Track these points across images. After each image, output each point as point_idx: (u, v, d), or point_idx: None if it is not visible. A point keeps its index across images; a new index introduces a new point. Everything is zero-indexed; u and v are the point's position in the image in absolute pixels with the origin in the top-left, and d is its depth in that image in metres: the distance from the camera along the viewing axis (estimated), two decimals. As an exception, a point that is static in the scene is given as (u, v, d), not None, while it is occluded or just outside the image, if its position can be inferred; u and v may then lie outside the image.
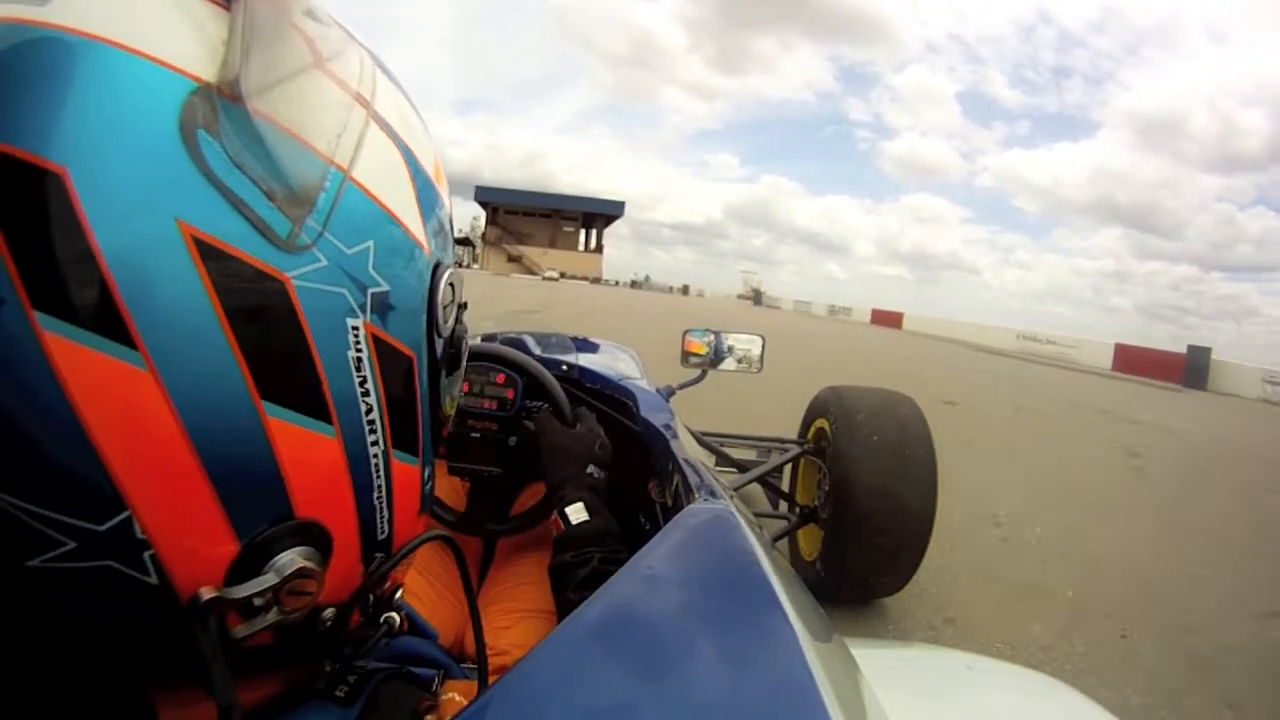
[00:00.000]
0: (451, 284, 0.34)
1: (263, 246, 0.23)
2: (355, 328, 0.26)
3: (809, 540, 2.07)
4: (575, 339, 1.40)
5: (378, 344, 0.28)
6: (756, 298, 47.77)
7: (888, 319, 30.25)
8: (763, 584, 0.39)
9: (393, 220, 0.28)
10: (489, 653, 0.68)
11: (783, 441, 2.37)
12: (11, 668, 0.26)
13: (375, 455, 0.29)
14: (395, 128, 0.31)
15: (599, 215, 61.18)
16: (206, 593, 0.25)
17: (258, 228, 0.23)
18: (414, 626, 0.59)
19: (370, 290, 0.27)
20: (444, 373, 0.35)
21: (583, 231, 62.29)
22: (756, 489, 2.32)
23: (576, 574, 0.63)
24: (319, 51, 0.28)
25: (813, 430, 2.17)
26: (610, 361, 1.22)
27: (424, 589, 0.73)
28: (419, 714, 0.36)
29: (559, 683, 0.30)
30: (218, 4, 0.25)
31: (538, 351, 1.07)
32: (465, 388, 0.85)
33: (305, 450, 0.26)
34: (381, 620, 0.35)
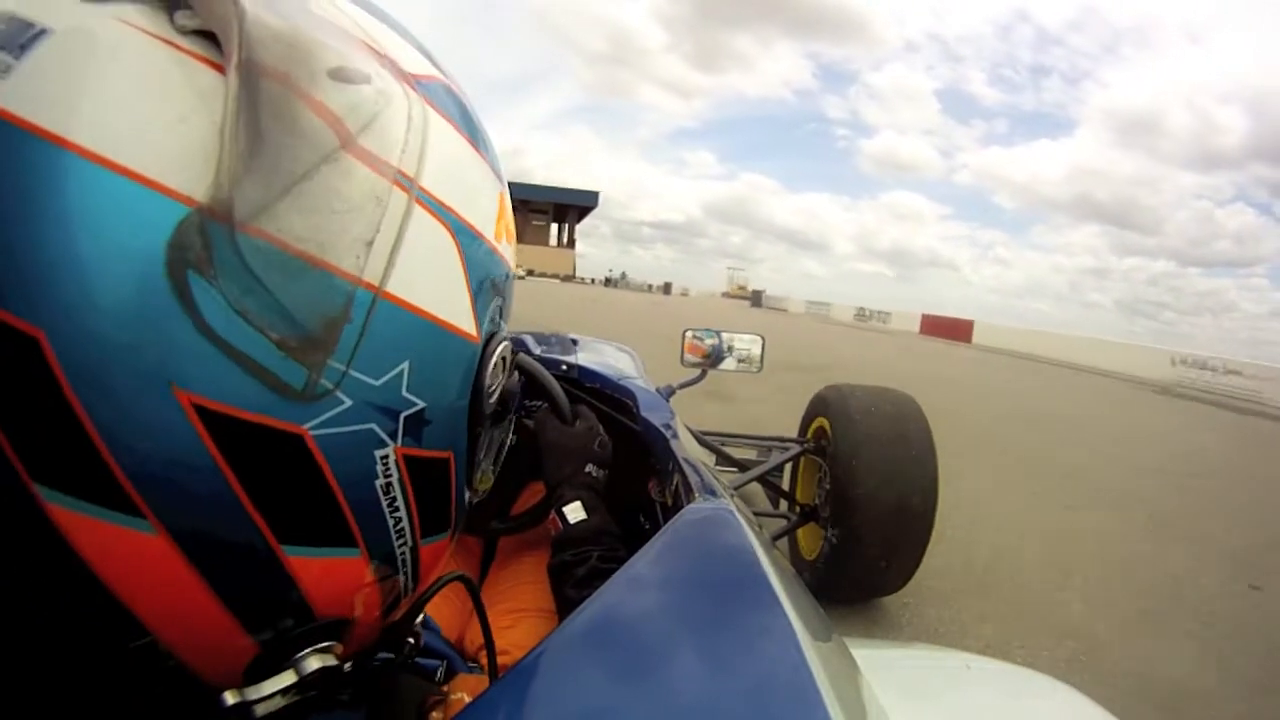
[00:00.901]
0: (504, 357, 0.31)
1: (275, 404, 0.21)
2: (384, 456, 0.24)
3: (809, 539, 2.07)
4: (575, 338, 1.40)
5: (409, 462, 0.25)
6: (756, 298, 38.73)
7: (949, 329, 20.99)
8: (763, 583, 0.39)
9: (435, 325, 0.25)
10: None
11: (783, 440, 2.37)
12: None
13: (403, 553, 0.28)
14: (447, 198, 0.25)
15: (571, 207, 49.73)
16: (230, 698, 0.25)
17: (267, 384, 0.20)
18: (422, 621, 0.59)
19: (403, 415, 0.24)
20: (485, 432, 0.33)
21: (554, 226, 52.54)
22: (756, 488, 2.32)
23: (575, 572, 0.64)
24: (346, 128, 0.22)
25: (813, 429, 2.16)
26: (610, 361, 1.21)
27: None
28: (426, 710, 0.36)
29: (560, 681, 0.30)
30: (216, 68, 0.20)
31: (537, 351, 1.07)
32: None
33: (328, 574, 0.25)
34: (403, 648, 0.35)
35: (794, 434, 2.29)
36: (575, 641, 0.32)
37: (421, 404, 0.25)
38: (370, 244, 0.22)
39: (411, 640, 0.35)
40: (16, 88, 0.18)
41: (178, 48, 0.20)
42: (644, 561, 0.39)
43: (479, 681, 0.44)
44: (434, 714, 0.36)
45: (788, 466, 2.27)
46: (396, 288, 0.23)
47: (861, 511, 1.76)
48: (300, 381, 0.21)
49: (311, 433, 0.22)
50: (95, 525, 0.20)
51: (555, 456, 0.76)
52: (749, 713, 0.30)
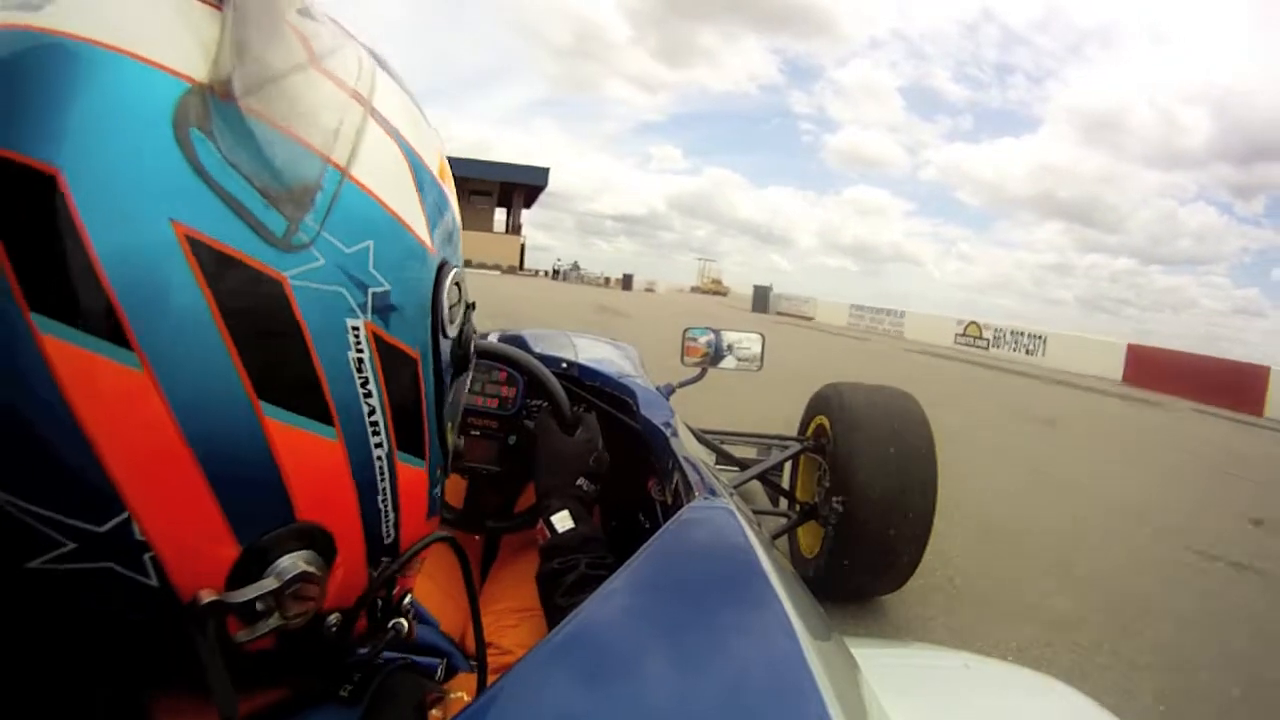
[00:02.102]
0: (458, 284, 0.33)
1: (259, 246, 0.23)
2: (355, 328, 0.26)
3: (809, 537, 2.07)
4: (575, 336, 1.40)
5: (380, 344, 0.27)
6: (760, 298, 27.84)
7: (1203, 378, 10.47)
8: (762, 582, 0.39)
9: (394, 219, 0.28)
10: (494, 651, 0.68)
11: (783, 439, 2.37)
12: (9, 669, 0.26)
13: (380, 458, 0.29)
14: (396, 125, 0.30)
15: (518, 187, 39.78)
16: (206, 595, 0.24)
17: (253, 227, 0.23)
18: (415, 615, 0.59)
19: (371, 290, 0.27)
20: (451, 375, 0.34)
21: (500, 211, 42.07)
22: (756, 486, 2.32)
23: (564, 580, 0.64)
24: (313, 49, 0.27)
25: (812, 427, 2.17)
26: (610, 358, 1.21)
27: (429, 589, 0.73)
28: (425, 708, 0.36)
29: (560, 681, 0.30)
30: (210, 4, 0.25)
31: (538, 349, 1.07)
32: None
33: (306, 452, 0.26)
34: (390, 626, 0.35)
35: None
36: (575, 640, 0.32)
37: (387, 285, 0.27)
38: (336, 133, 0.26)
39: (404, 622, 0.35)
40: (55, 14, 0.22)
41: None
42: (643, 560, 0.39)
43: (475, 682, 0.44)
44: (433, 712, 0.36)
45: (787, 465, 2.28)
46: (359, 174, 0.27)
47: (861, 510, 1.76)
48: (280, 229, 0.24)
49: (290, 280, 0.24)
50: (87, 358, 0.21)
51: (548, 464, 0.76)
52: (749, 712, 0.30)
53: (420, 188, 0.30)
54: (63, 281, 0.20)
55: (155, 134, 0.22)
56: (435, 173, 0.33)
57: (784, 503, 2.25)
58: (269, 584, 0.26)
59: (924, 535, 1.82)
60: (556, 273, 40.74)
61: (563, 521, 0.69)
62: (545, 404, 0.83)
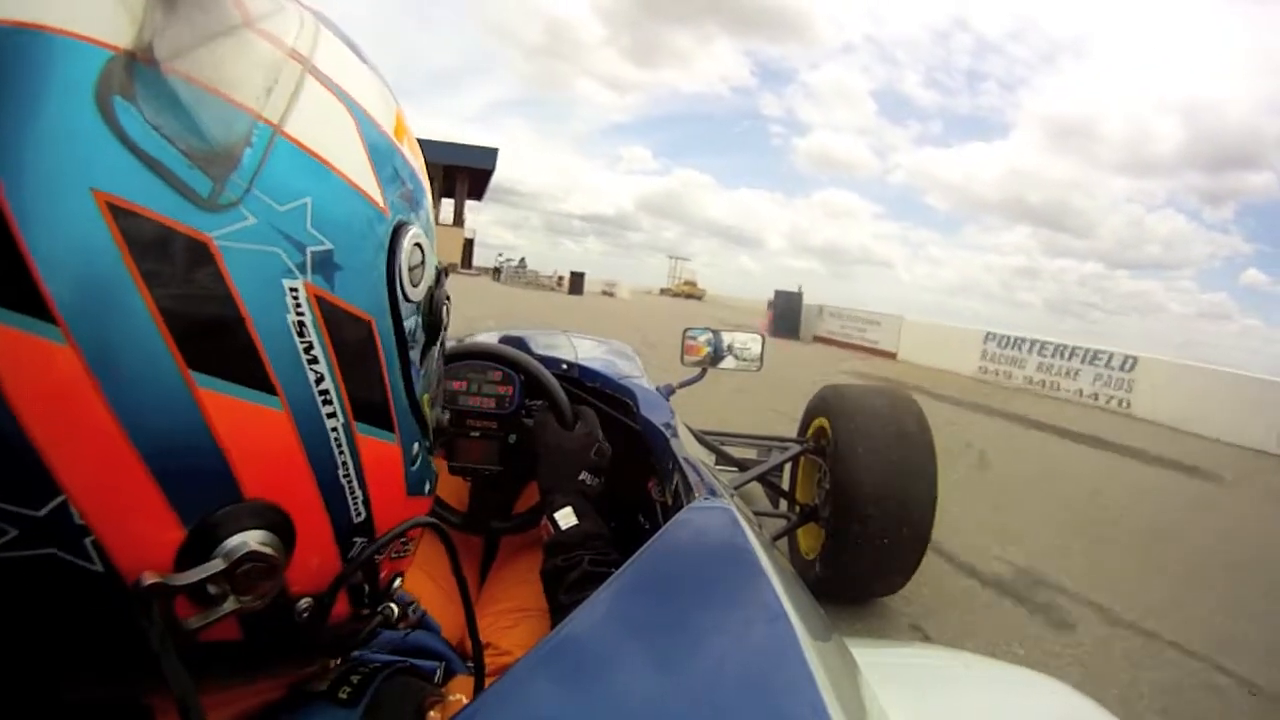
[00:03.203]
0: (419, 244, 0.32)
1: (182, 207, 0.22)
2: (294, 289, 0.25)
3: (809, 539, 2.07)
4: (575, 336, 1.40)
5: (323, 306, 0.26)
6: (790, 313, 14.94)
7: None
8: (762, 583, 0.39)
9: (334, 174, 0.27)
10: (493, 651, 0.68)
11: (783, 440, 2.37)
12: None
13: (334, 429, 0.28)
14: (339, 82, 0.29)
15: (462, 171, 32.82)
16: (149, 578, 0.23)
17: (176, 188, 0.22)
18: (419, 620, 0.59)
19: (310, 249, 0.26)
20: (422, 344, 0.33)
21: (448, 202, 36.02)
22: (756, 488, 2.32)
23: (567, 577, 0.64)
24: (249, 11, 0.27)
25: (812, 429, 2.17)
26: (610, 359, 1.21)
27: (430, 590, 0.73)
28: (424, 710, 0.35)
29: (558, 682, 0.30)
30: None
31: (538, 350, 1.07)
32: (464, 385, 0.85)
33: (247, 424, 0.25)
34: (378, 610, 0.34)
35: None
36: (573, 641, 0.32)
37: (328, 244, 0.26)
38: (269, 91, 0.26)
39: (393, 606, 0.34)
40: None
41: None
42: (643, 561, 0.39)
43: (475, 682, 0.44)
44: (431, 714, 0.36)
45: (787, 466, 2.28)
46: (294, 130, 0.26)
47: (861, 511, 1.76)
48: (206, 190, 0.23)
49: (216, 240, 0.23)
50: (8, 334, 0.20)
51: (550, 461, 0.76)
52: (749, 713, 0.30)
53: (369, 144, 0.29)
54: None
55: (77, 105, 0.21)
56: (389, 130, 0.32)
57: (784, 504, 2.25)
58: (216, 565, 0.25)
59: (924, 536, 1.82)
60: (497, 270, 33.19)
61: (566, 518, 0.69)
62: (543, 402, 0.83)
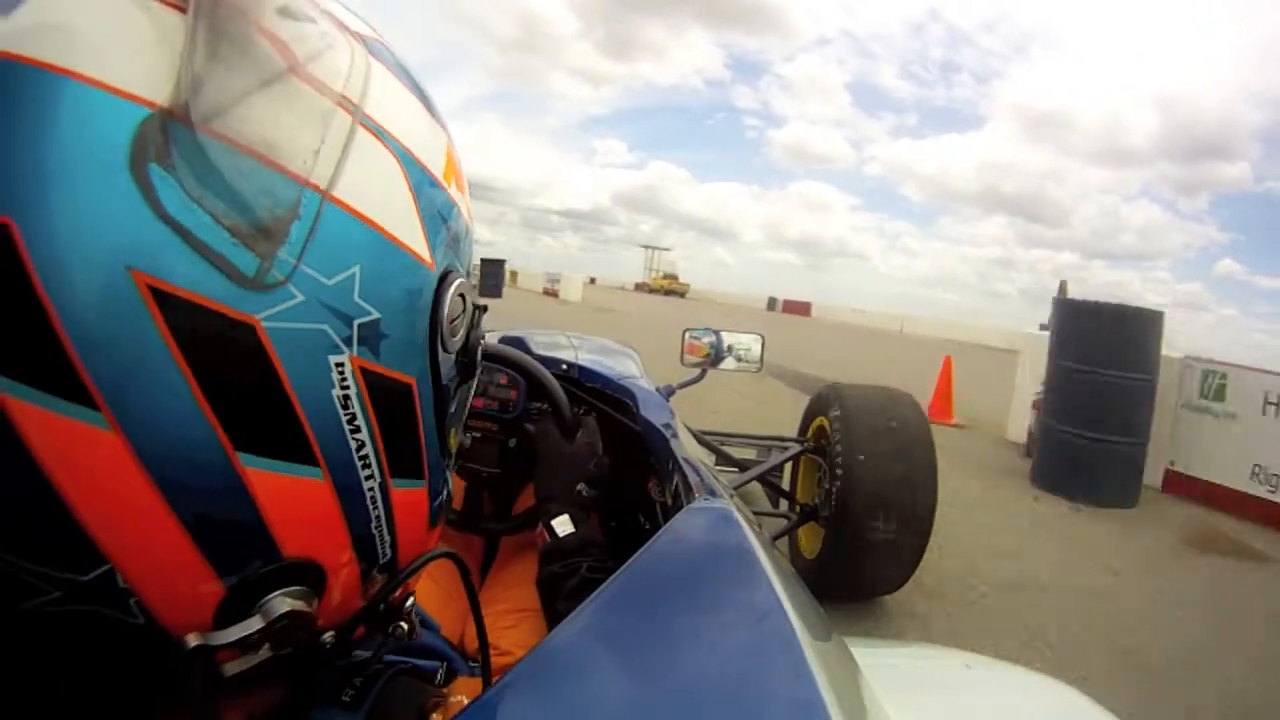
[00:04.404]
0: (462, 294, 0.31)
1: (227, 289, 0.21)
2: (340, 364, 0.24)
3: (809, 538, 2.07)
4: (575, 337, 1.40)
5: (368, 377, 0.26)
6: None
7: None
8: (762, 582, 0.39)
9: (384, 238, 0.26)
10: (493, 652, 0.68)
11: (783, 440, 2.37)
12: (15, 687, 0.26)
13: (371, 489, 0.28)
14: (390, 128, 0.27)
15: None
16: (193, 640, 0.24)
17: (221, 269, 0.21)
18: (420, 621, 0.59)
19: (357, 321, 0.25)
20: (455, 384, 0.33)
21: None
22: (757, 488, 2.32)
23: (565, 585, 0.64)
24: (294, 55, 0.25)
25: (813, 429, 2.17)
26: (610, 360, 1.21)
27: (430, 590, 0.73)
28: (425, 712, 0.36)
29: (559, 682, 0.30)
30: (176, 8, 0.22)
31: (538, 350, 1.06)
32: None
33: (289, 496, 0.25)
34: (390, 631, 0.34)
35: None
36: (574, 641, 0.32)
37: (376, 314, 0.25)
38: (317, 152, 0.24)
39: (404, 625, 0.35)
40: (9, 32, 0.20)
41: None
42: (643, 561, 0.39)
43: (479, 683, 0.44)
44: (434, 716, 0.36)
45: (788, 466, 2.28)
46: (343, 194, 0.24)
47: (861, 510, 1.76)
48: (252, 269, 0.22)
49: (263, 323, 0.22)
50: (51, 419, 0.20)
51: (549, 470, 0.76)
52: (749, 713, 0.30)
53: (418, 195, 0.28)
54: (19, 340, 0.19)
55: (112, 172, 0.20)
56: (439, 173, 0.30)
57: (784, 504, 2.25)
58: (255, 623, 0.25)
59: (924, 535, 1.82)
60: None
61: (563, 526, 0.69)
62: (546, 406, 0.83)
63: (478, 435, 0.85)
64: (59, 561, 0.22)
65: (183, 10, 0.22)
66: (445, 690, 0.42)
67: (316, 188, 0.24)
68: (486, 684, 0.42)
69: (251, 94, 0.23)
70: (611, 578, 0.37)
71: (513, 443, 0.85)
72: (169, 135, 0.21)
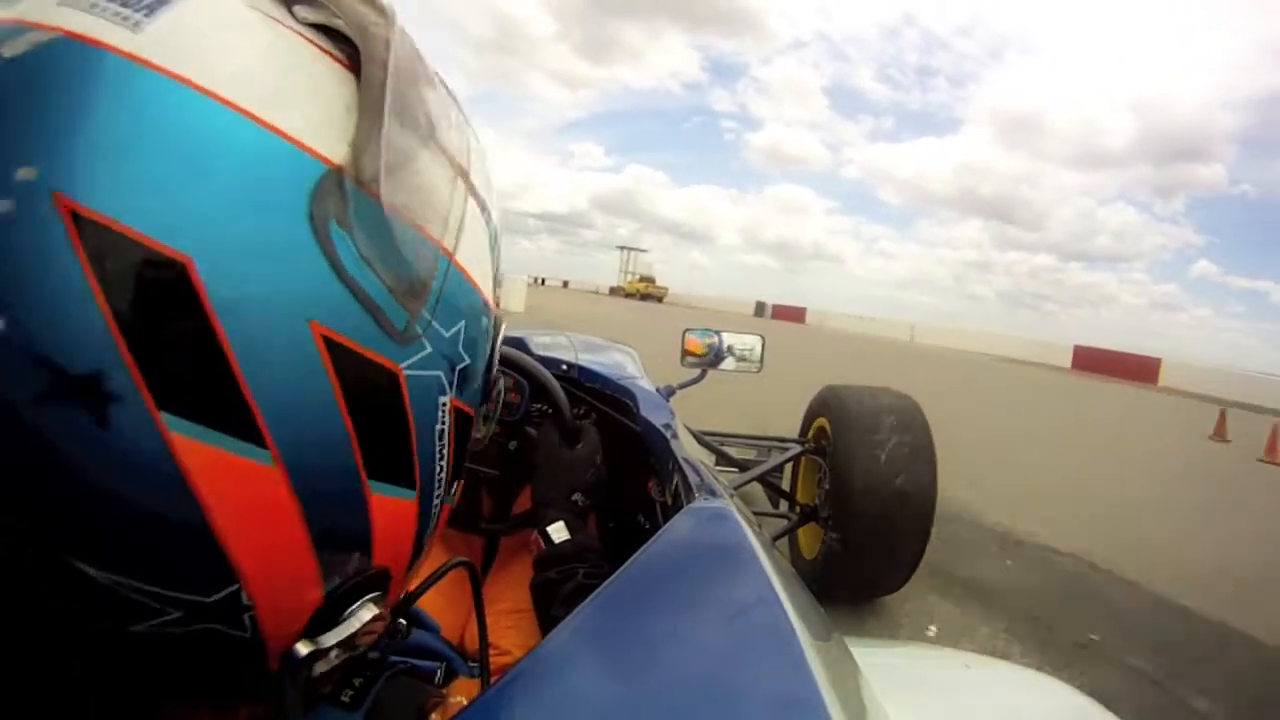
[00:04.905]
0: (502, 328, 0.34)
1: (383, 342, 0.23)
2: (444, 404, 0.27)
3: (809, 539, 2.07)
4: (575, 337, 1.40)
5: (456, 414, 0.28)
6: None
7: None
8: (762, 583, 0.39)
9: (479, 296, 0.29)
10: (493, 652, 0.68)
11: (783, 441, 2.37)
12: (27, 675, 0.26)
13: (436, 505, 0.30)
14: (481, 191, 0.30)
15: None
16: (303, 648, 0.26)
17: (379, 322, 0.23)
18: (416, 619, 0.59)
19: (458, 367, 0.28)
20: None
21: None
22: (757, 488, 2.32)
23: (561, 590, 0.64)
24: (433, 125, 0.27)
25: (813, 429, 2.17)
26: (610, 360, 1.21)
27: (430, 590, 0.73)
28: (425, 712, 0.36)
29: (558, 682, 0.30)
30: (341, 64, 0.23)
31: (538, 350, 1.06)
32: None
33: (392, 514, 0.27)
34: (395, 629, 0.35)
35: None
36: (573, 641, 0.32)
37: (468, 360, 0.28)
38: (447, 219, 0.26)
39: (403, 621, 0.36)
40: (154, 41, 0.20)
41: (301, 35, 0.23)
42: (643, 561, 0.39)
43: (478, 684, 0.44)
44: (433, 716, 0.36)
45: (788, 467, 2.28)
46: (461, 257, 0.27)
47: (861, 511, 1.76)
48: (402, 323, 0.24)
49: (405, 371, 0.25)
50: (216, 455, 0.20)
51: (547, 475, 0.76)
52: (749, 713, 0.30)
53: (492, 250, 0.31)
54: (193, 379, 0.20)
55: (293, 225, 0.21)
56: (498, 220, 0.33)
57: (784, 505, 2.25)
58: (350, 627, 0.27)
59: (924, 535, 1.82)
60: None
61: (559, 532, 0.69)
62: (548, 409, 0.83)
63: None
64: (189, 585, 0.22)
65: (349, 68, 0.23)
66: (444, 690, 0.42)
67: (447, 252, 0.26)
68: (485, 685, 0.42)
69: (414, 160, 0.25)
70: (611, 577, 0.37)
71: (513, 445, 0.85)
72: (344, 195, 0.22)
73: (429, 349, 0.25)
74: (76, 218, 0.18)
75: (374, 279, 0.23)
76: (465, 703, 0.40)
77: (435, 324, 0.25)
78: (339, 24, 0.23)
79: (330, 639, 0.26)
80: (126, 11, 0.20)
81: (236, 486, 0.21)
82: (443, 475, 0.29)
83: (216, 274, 0.19)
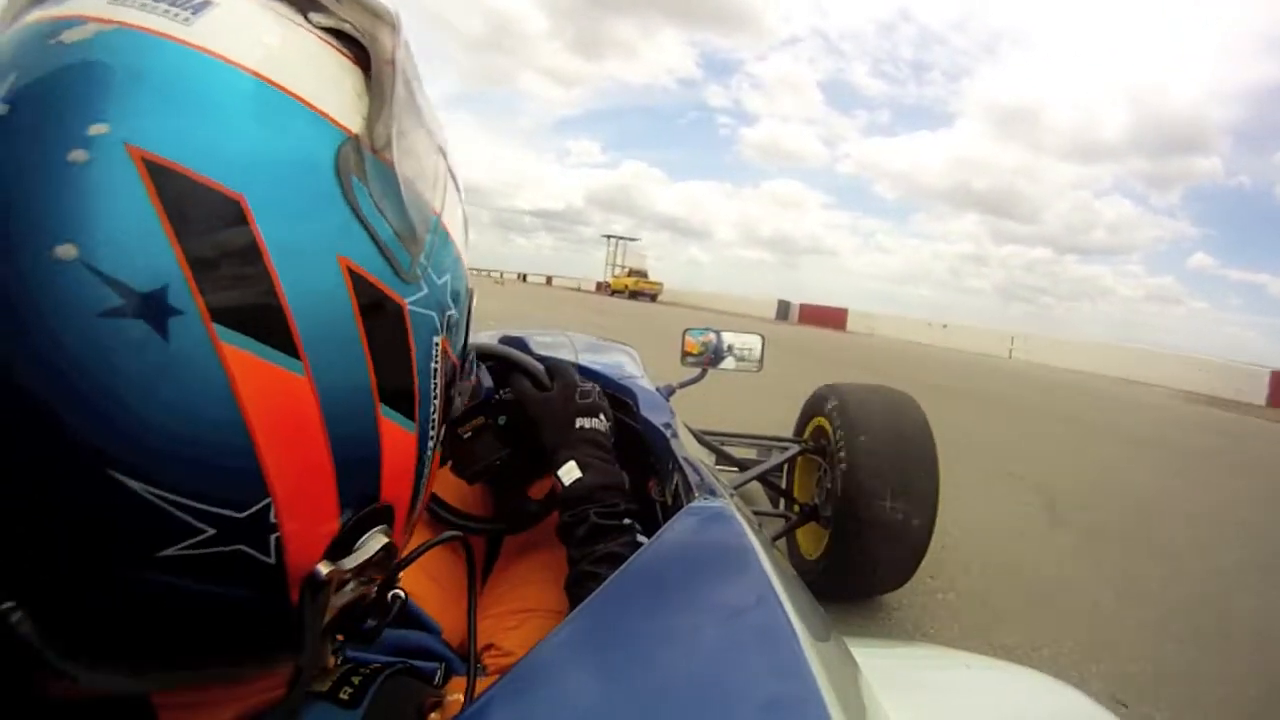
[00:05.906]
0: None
1: (393, 278, 0.28)
2: (437, 343, 0.31)
3: (809, 539, 2.07)
4: (575, 336, 1.40)
5: (444, 355, 0.32)
6: None
7: None
8: (762, 582, 0.39)
9: (459, 255, 0.33)
10: (496, 653, 0.68)
11: (782, 440, 2.37)
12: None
13: (431, 446, 0.33)
14: (455, 170, 0.35)
15: None
16: (324, 568, 0.28)
17: (389, 261, 0.27)
18: (417, 621, 0.59)
19: (447, 313, 0.32)
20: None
21: None
22: (757, 487, 2.32)
23: (575, 533, 0.64)
24: (422, 110, 0.32)
25: (811, 428, 2.17)
26: (611, 360, 1.21)
27: (431, 590, 0.73)
28: (424, 711, 0.36)
29: (559, 682, 0.30)
30: (349, 60, 0.28)
31: (538, 350, 1.06)
32: None
33: (398, 445, 0.30)
34: (390, 597, 0.35)
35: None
36: (573, 641, 0.32)
37: (454, 310, 0.33)
38: (435, 185, 0.31)
39: (401, 594, 0.36)
40: (202, 32, 0.24)
41: (317, 35, 0.28)
42: (643, 560, 0.39)
43: (478, 685, 0.44)
44: (432, 715, 0.36)
45: (787, 466, 2.28)
46: (445, 219, 0.32)
47: (860, 510, 1.76)
48: (406, 264, 0.28)
49: (409, 305, 0.28)
50: (261, 366, 0.23)
51: (542, 424, 0.75)
52: (749, 713, 0.30)
53: (464, 223, 0.35)
54: (245, 296, 0.23)
55: (323, 176, 0.26)
56: (464, 200, 0.37)
57: (784, 504, 2.25)
58: (365, 553, 0.29)
59: (925, 535, 1.82)
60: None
61: (568, 474, 0.68)
62: (516, 372, 0.81)
63: (470, 435, 0.85)
64: (225, 498, 0.24)
65: (356, 63, 0.28)
66: (444, 690, 0.42)
67: (436, 212, 0.31)
68: (470, 681, 0.42)
69: (412, 136, 0.30)
70: (611, 577, 0.37)
71: (502, 420, 0.84)
72: (361, 156, 0.27)
73: (426, 290, 0.29)
74: (146, 162, 0.22)
75: (385, 225, 0.27)
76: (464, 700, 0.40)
77: (430, 271, 0.30)
78: (348, 28, 0.28)
79: (352, 561, 0.29)
80: (175, 9, 0.24)
81: (273, 394, 0.24)
82: (435, 416, 0.33)
83: (265, 209, 0.23)
